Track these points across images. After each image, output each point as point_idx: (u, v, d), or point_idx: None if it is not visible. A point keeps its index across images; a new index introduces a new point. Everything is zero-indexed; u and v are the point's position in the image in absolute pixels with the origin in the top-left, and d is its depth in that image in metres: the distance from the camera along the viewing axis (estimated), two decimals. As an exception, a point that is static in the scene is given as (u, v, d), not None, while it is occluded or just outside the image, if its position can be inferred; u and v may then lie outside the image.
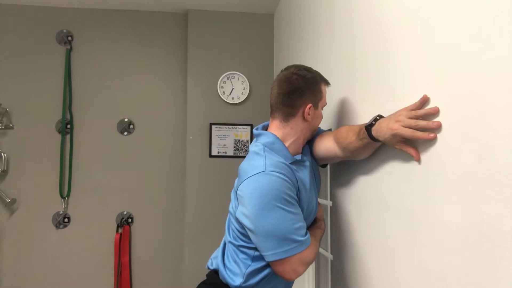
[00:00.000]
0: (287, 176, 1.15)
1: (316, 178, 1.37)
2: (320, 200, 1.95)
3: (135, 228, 2.70)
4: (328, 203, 1.80)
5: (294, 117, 1.26)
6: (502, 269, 0.66)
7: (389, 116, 0.99)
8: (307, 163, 1.30)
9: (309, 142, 1.39)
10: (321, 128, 1.44)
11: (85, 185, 2.66)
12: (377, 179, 1.15)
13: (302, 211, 1.19)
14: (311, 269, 2.04)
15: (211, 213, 2.60)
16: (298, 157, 1.27)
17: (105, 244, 2.64)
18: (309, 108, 1.25)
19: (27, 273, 2.55)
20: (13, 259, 2.55)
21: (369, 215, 1.20)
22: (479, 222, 0.72)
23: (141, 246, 2.69)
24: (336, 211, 1.48)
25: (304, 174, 1.26)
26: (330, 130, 1.48)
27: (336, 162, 1.44)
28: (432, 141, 0.86)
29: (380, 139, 1.01)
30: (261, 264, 1.21)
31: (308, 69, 1.30)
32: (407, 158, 0.97)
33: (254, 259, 1.22)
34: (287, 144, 1.26)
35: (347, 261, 1.37)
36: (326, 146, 1.30)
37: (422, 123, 0.87)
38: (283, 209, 1.10)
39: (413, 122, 0.89)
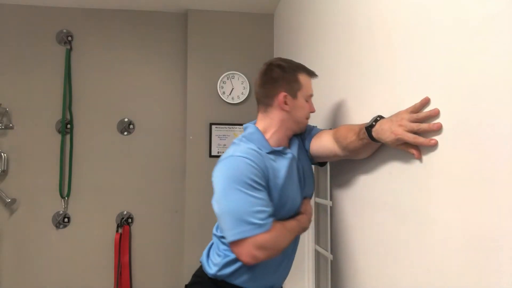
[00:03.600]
0: (254, 162, 1.16)
1: (304, 174, 1.34)
2: (320, 200, 1.95)
3: (135, 228, 2.70)
4: (328, 203, 1.80)
5: (271, 107, 1.29)
6: (502, 269, 0.66)
7: (391, 119, 0.98)
8: (289, 156, 1.28)
9: (303, 138, 1.39)
10: (318, 127, 1.43)
11: (85, 185, 2.66)
12: (377, 179, 1.15)
13: (273, 199, 1.19)
14: (311, 269, 2.04)
15: (211, 213, 2.57)
16: (278, 148, 1.27)
17: (105, 244, 2.63)
18: (283, 97, 1.26)
19: (27, 273, 2.55)
20: (13, 259, 2.55)
21: (369, 215, 1.20)
22: (479, 222, 0.72)
23: (141, 246, 2.69)
24: (336, 211, 1.48)
25: (281, 165, 1.24)
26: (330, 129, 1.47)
27: (336, 160, 1.45)
28: (426, 146, 0.86)
29: (381, 141, 1.01)
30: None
31: (286, 60, 1.33)
32: (407, 158, 0.97)
33: None
34: (268, 135, 1.28)
35: (347, 261, 1.37)
36: (324, 144, 1.30)
37: (424, 126, 0.87)
38: (243, 192, 1.12)
39: (415, 126, 0.89)
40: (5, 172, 2.57)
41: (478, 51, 0.73)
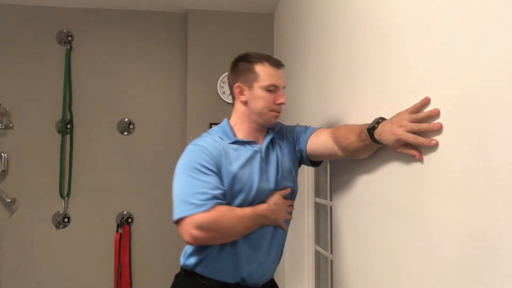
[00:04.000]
0: (207, 149, 1.22)
1: (279, 171, 1.32)
2: (320, 200, 1.95)
3: (135, 228, 2.70)
4: (328, 203, 1.80)
5: (235, 99, 1.35)
6: (502, 269, 0.66)
7: (391, 120, 0.99)
8: (256, 148, 1.30)
9: (293, 138, 1.38)
10: (311, 126, 1.43)
11: (85, 185, 2.66)
12: (377, 179, 1.15)
13: (225, 184, 1.21)
14: (311, 269, 2.04)
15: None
16: (244, 139, 1.31)
17: (105, 244, 2.63)
18: (237, 88, 1.31)
19: (27, 273, 2.55)
20: (13, 259, 2.55)
21: (369, 215, 1.20)
22: (479, 222, 0.72)
23: (141, 246, 2.69)
24: (336, 211, 1.48)
25: (242, 155, 1.27)
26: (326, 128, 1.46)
27: (334, 160, 1.45)
28: (426, 147, 0.87)
29: (383, 142, 1.01)
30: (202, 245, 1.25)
31: (251, 52, 1.34)
32: (407, 158, 0.97)
33: None
34: (236, 127, 1.33)
35: (347, 261, 1.37)
36: (323, 143, 1.30)
37: (424, 126, 0.87)
38: (190, 175, 1.17)
39: (415, 126, 0.89)
40: (5, 172, 2.57)
41: (478, 51, 0.73)
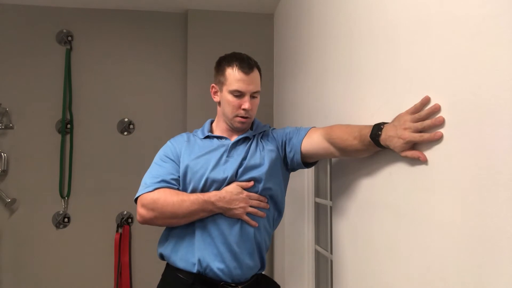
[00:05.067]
0: (172, 143, 1.40)
1: (240, 161, 1.31)
2: (320, 200, 1.95)
3: (135, 228, 2.70)
4: (328, 203, 1.80)
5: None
6: (502, 269, 0.66)
7: (394, 124, 0.98)
8: (224, 143, 1.36)
9: (280, 141, 1.38)
10: (304, 126, 1.42)
11: (85, 185, 2.66)
12: (377, 179, 1.15)
13: (180, 170, 1.32)
14: (311, 269, 2.04)
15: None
16: (214, 134, 1.40)
17: (105, 244, 2.63)
18: (212, 88, 1.40)
19: (27, 273, 2.55)
20: (13, 259, 2.55)
21: (369, 215, 1.20)
22: (479, 222, 0.72)
23: (141, 246, 2.69)
24: (336, 211, 1.48)
25: (205, 146, 1.36)
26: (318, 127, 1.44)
27: (335, 160, 1.44)
28: (433, 141, 0.86)
29: (390, 147, 1.00)
30: (167, 231, 1.36)
31: (233, 53, 1.37)
32: (407, 158, 0.97)
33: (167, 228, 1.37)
34: (214, 125, 1.45)
35: (347, 261, 1.37)
36: (316, 144, 1.28)
37: (427, 122, 0.87)
38: (155, 163, 1.37)
39: (419, 125, 0.89)
40: (5, 172, 2.57)
41: (478, 51, 0.73)
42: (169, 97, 2.78)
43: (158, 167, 1.33)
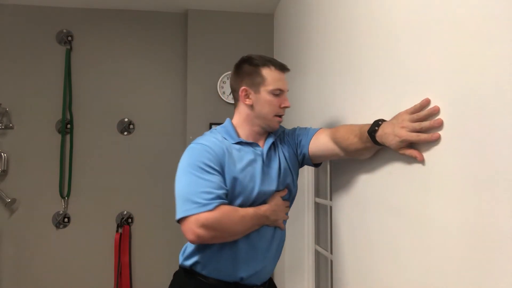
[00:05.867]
0: (210, 148, 1.22)
1: (278, 171, 1.33)
2: (320, 200, 1.95)
3: (135, 228, 2.70)
4: (328, 203, 1.80)
5: (238, 101, 1.35)
6: (502, 269, 0.66)
7: (392, 122, 0.99)
8: (258, 151, 1.31)
9: (292, 141, 1.39)
10: (312, 127, 1.43)
11: (85, 185, 2.66)
12: (377, 179, 1.15)
13: (227, 184, 1.21)
14: (311, 269, 2.04)
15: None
16: (247, 140, 1.32)
17: (105, 244, 2.63)
18: (243, 91, 1.30)
19: (27, 273, 2.55)
20: (13, 259, 2.55)
21: (369, 215, 1.20)
22: (479, 222, 0.72)
23: (141, 246, 2.69)
24: (336, 211, 1.48)
25: (244, 156, 1.27)
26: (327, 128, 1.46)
27: (336, 160, 1.45)
28: (430, 142, 0.87)
29: (386, 144, 1.01)
30: (201, 244, 1.25)
31: (257, 55, 1.34)
32: (407, 158, 0.97)
33: None
34: (238, 129, 1.34)
35: (347, 261, 1.37)
36: (323, 145, 1.30)
37: (426, 124, 0.87)
38: (193, 174, 1.17)
39: (417, 125, 0.90)
40: (5, 172, 2.57)
41: (478, 51, 0.73)
42: (169, 97, 2.79)
43: (202, 180, 1.17)
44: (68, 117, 2.66)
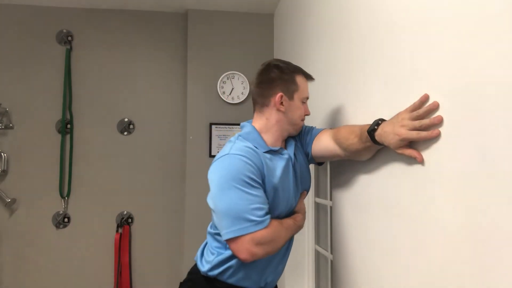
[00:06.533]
0: (250, 160, 1.17)
1: (302, 175, 1.35)
2: (320, 200, 1.95)
3: (135, 228, 2.70)
4: (328, 203, 1.80)
5: (267, 107, 1.30)
6: (502, 269, 0.66)
7: (392, 121, 0.99)
8: (286, 156, 1.29)
9: (303, 140, 1.40)
10: (316, 127, 1.44)
11: (85, 185, 2.66)
12: (377, 179, 1.15)
13: (268, 196, 1.20)
14: (311, 269, 2.04)
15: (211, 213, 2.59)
16: (275, 147, 1.29)
17: (105, 244, 2.63)
18: (280, 98, 1.27)
19: (27, 273, 2.55)
20: (13, 259, 2.55)
21: (369, 215, 1.20)
22: (479, 222, 0.72)
23: (141, 246, 2.69)
24: (336, 211, 1.48)
25: (277, 164, 1.25)
26: (330, 128, 1.47)
27: (336, 160, 1.45)
28: (432, 141, 0.86)
29: (385, 143, 1.01)
30: (230, 253, 1.21)
31: (285, 62, 1.34)
32: (408, 158, 0.97)
33: (227, 247, 1.21)
34: (264, 135, 1.29)
35: (347, 261, 1.37)
36: (325, 146, 1.31)
37: (426, 121, 0.87)
38: (240, 189, 1.12)
39: (416, 123, 0.89)
40: (5, 172, 2.57)
41: (478, 51, 0.73)
42: (169, 97, 2.79)
43: (250, 195, 1.13)
44: (68, 117, 2.66)
